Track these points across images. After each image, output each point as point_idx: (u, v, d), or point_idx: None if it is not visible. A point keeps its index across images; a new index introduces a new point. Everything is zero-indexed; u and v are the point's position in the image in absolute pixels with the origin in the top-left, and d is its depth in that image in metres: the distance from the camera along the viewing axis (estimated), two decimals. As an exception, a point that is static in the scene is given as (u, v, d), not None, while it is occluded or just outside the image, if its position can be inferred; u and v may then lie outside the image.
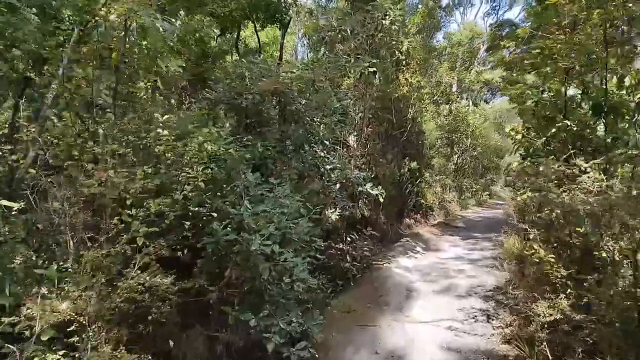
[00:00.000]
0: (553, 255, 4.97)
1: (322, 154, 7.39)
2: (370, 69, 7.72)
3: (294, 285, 4.24)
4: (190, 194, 3.99)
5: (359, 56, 8.88)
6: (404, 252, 9.61)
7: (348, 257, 7.74)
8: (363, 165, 11.45)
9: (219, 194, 4.43)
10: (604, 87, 6.04)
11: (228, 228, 4.00)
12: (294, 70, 7.26)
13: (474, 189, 20.24)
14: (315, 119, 7.30)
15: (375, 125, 11.63)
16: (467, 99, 23.16)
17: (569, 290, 4.67)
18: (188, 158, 4.26)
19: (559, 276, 4.85)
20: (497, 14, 35.05)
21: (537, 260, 5.80)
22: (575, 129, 6.50)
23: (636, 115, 5.86)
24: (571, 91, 7.24)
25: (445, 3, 24.47)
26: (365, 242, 9.15)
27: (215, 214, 4.18)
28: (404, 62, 11.06)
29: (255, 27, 12.81)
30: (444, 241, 11.24)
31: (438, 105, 20.72)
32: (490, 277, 7.59)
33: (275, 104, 7.26)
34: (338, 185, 7.92)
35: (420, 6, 20.21)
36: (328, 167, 7.47)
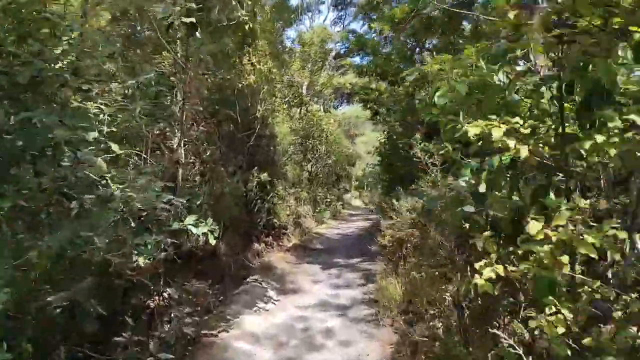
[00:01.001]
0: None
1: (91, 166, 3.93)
2: (187, 19, 4.62)
3: None
4: None
5: None
6: (250, 303, 6.77)
7: (153, 346, 4.45)
8: (198, 179, 8.28)
9: None
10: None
11: None
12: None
13: (329, 200, 18.95)
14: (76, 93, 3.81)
15: (213, 124, 8.53)
16: (318, 103, 21.97)
17: None
18: None
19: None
20: (343, 24, 36.04)
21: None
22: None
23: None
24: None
25: (295, 5, 23.06)
26: (192, 297, 6.04)
27: None
28: (250, 41, 8.27)
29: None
30: (303, 274, 8.86)
31: (290, 107, 18.82)
32: (370, 342, 5.36)
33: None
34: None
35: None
36: (110, 189, 4.06)
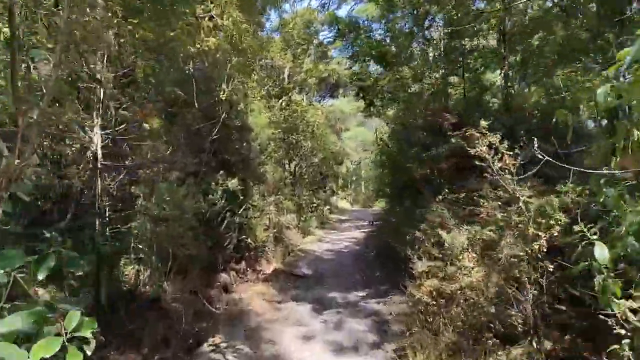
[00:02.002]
0: None
1: None
2: None
3: None
4: None
5: None
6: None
7: None
8: (127, 187, 5.65)
9: None
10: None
11: None
12: None
13: (315, 204, 16.32)
14: None
15: (155, 106, 5.77)
16: (302, 93, 19.25)
17: None
18: None
19: None
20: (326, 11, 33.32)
21: None
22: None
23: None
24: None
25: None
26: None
27: None
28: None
29: None
30: (287, 324, 6.22)
31: (270, 97, 16.10)
32: None
33: None
34: None
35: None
36: None
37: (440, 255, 4.59)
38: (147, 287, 5.85)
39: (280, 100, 15.29)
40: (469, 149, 4.06)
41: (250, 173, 9.01)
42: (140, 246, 5.52)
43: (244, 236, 8.19)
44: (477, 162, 4.04)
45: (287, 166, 16.24)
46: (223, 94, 6.76)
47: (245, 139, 8.66)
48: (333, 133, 24.91)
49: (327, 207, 18.36)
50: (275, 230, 10.64)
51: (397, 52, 13.85)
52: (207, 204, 6.49)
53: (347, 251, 11.14)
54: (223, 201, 7.32)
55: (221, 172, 7.05)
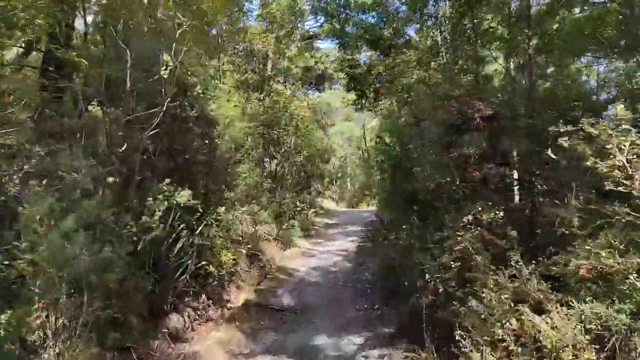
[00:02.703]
0: None
1: None
2: None
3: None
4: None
5: None
6: None
7: None
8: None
9: None
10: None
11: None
12: None
13: (298, 208, 14.40)
14: None
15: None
16: (285, 84, 17.23)
17: None
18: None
19: None
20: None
21: None
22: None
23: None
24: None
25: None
26: None
27: None
28: None
29: None
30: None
31: (248, 87, 14.13)
32: None
33: None
34: None
35: None
36: None
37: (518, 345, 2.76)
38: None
39: (261, 92, 13.30)
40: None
41: (216, 178, 7.06)
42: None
43: (204, 262, 6.24)
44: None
45: (267, 165, 14.30)
46: (165, 69, 4.76)
47: (209, 135, 6.68)
48: (319, 128, 23.01)
49: (313, 211, 16.47)
50: (249, 246, 8.72)
51: (392, 36, 12.06)
52: (139, 228, 4.51)
53: (336, 269, 9.30)
54: (173, 218, 5.37)
55: (167, 180, 5.07)
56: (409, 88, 8.66)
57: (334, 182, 36.37)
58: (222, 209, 6.70)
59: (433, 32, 9.83)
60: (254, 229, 9.30)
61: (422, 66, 8.94)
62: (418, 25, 12.45)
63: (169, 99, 4.87)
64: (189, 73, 5.73)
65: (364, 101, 14.53)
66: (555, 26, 8.45)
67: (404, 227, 6.87)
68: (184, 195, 5.02)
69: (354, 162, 38.03)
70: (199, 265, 6.25)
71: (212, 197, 6.66)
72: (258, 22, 15.16)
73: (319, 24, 18.72)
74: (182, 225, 5.82)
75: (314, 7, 14.56)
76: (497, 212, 4.53)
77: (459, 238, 4.54)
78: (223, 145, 7.17)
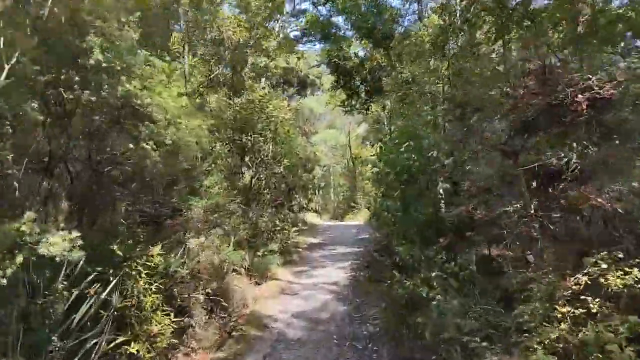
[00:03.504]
0: None
1: None
2: None
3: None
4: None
5: None
6: None
7: None
8: None
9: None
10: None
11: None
12: None
13: (278, 228, 12.13)
14: None
15: None
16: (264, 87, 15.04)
17: None
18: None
19: None
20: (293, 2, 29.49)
21: None
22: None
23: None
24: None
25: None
26: None
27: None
28: None
29: None
30: None
31: (217, 84, 11.92)
32: None
33: None
34: None
35: None
36: None
37: None
38: None
39: (232, 88, 11.08)
40: None
41: (152, 200, 4.77)
42: None
43: (122, 338, 3.92)
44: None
45: (240, 177, 12.05)
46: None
47: (138, 136, 4.40)
48: (301, 134, 20.89)
49: (296, 229, 14.19)
50: (209, 290, 6.40)
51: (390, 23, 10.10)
52: None
53: (327, 316, 7.05)
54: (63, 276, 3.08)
55: (30, 213, 2.78)
56: (456, 70, 6.38)
57: (317, 192, 34.08)
58: (157, 249, 4.39)
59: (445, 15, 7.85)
60: (218, 262, 7.00)
61: (437, 50, 6.94)
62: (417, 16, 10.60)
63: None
64: (84, 28, 3.51)
65: (354, 102, 12.50)
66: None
67: (421, 271, 4.76)
68: (56, 243, 2.75)
69: (337, 172, 36.01)
70: (118, 342, 3.94)
71: (140, 233, 4.37)
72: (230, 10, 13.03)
73: (298, 27, 16.80)
74: (85, 282, 3.55)
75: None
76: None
77: (562, 328, 2.42)
78: (164, 152, 4.90)
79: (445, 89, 6.42)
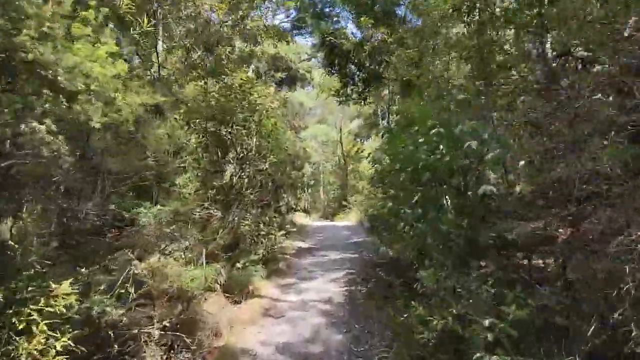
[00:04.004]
0: None
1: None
2: None
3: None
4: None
5: None
6: None
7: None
8: None
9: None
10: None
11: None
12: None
13: (263, 232, 10.68)
14: None
15: None
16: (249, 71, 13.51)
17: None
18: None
19: None
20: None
21: None
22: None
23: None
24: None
25: None
26: None
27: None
28: None
29: None
30: None
31: (195, 68, 10.43)
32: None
33: None
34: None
35: None
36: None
37: None
38: None
39: (205, 69, 9.57)
40: None
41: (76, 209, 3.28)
42: None
43: None
44: None
45: (221, 176, 10.56)
46: None
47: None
48: (290, 129, 19.42)
49: (283, 233, 12.75)
50: (168, 318, 4.95)
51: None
52: None
53: (321, 351, 5.64)
54: None
55: None
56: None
57: (306, 190, 32.63)
58: (65, 285, 2.91)
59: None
60: (179, 285, 5.54)
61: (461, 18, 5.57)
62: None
63: None
64: None
65: (349, 90, 11.09)
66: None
67: (452, 305, 3.40)
68: None
69: (328, 169, 34.59)
70: None
71: (53, 257, 2.89)
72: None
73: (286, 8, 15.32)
74: None
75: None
76: None
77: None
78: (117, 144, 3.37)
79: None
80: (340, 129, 30.55)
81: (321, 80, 29.62)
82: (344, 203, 27.59)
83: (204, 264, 7.04)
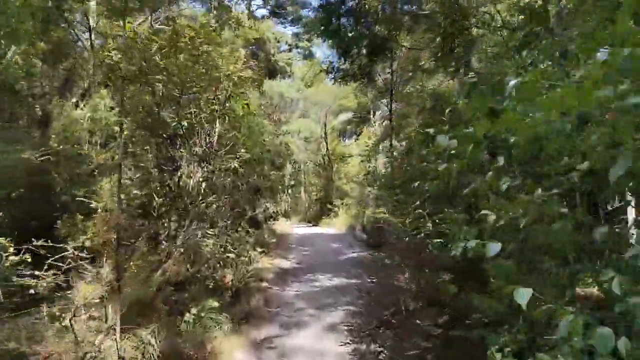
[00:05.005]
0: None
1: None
2: None
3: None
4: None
5: None
6: None
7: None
8: None
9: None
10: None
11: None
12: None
13: (231, 256, 7.68)
14: None
15: None
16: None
17: None
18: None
19: None
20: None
21: None
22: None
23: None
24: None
25: None
26: None
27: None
28: None
29: None
30: None
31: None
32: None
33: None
34: None
35: None
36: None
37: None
38: None
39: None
40: None
41: None
42: None
43: None
44: None
45: (174, 176, 7.50)
46: None
47: None
48: (270, 121, 16.39)
49: (261, 251, 9.75)
50: None
51: None
52: None
53: None
54: None
55: None
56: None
57: (286, 192, 29.37)
58: None
59: None
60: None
61: None
62: None
63: None
64: None
65: (348, 65, 8.25)
66: None
67: None
68: None
69: (310, 169, 31.63)
70: None
71: None
72: None
73: None
74: None
75: None
76: None
77: None
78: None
79: None
80: (325, 125, 27.67)
81: (303, 73, 26.79)
82: (329, 207, 24.71)
83: (118, 331, 4.05)
